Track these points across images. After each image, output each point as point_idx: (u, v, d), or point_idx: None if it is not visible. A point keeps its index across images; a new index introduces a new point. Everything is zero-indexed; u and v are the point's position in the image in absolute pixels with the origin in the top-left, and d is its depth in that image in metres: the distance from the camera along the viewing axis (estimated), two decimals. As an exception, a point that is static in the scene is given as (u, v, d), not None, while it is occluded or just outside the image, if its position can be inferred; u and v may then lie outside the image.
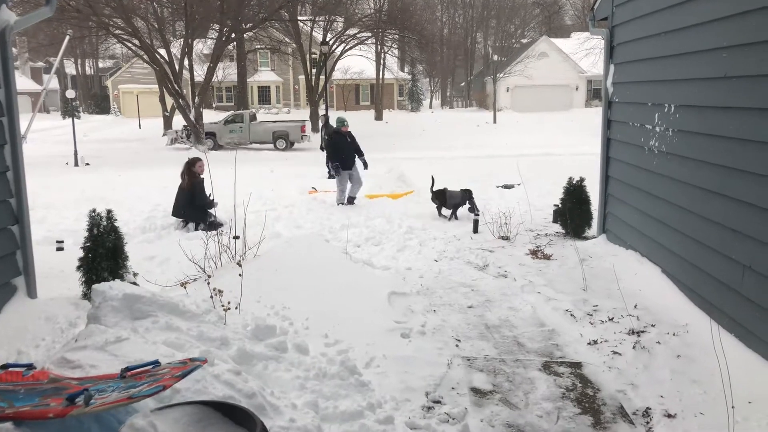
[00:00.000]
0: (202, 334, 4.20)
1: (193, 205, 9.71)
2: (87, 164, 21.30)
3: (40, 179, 15.64)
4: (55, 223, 9.93)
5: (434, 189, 10.85)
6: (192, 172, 9.82)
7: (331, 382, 4.35)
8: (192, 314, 4.43)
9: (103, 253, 5.59)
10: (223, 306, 4.63)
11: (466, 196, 10.62)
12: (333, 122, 12.40)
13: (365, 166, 12.48)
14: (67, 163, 21.39)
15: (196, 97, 28.08)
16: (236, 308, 4.80)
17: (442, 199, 10.76)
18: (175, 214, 9.94)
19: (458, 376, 4.81)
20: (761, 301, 4.58)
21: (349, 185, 12.04)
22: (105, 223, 5.67)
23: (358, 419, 3.96)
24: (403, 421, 4.10)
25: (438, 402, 4.43)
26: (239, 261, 5.83)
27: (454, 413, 4.23)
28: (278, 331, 4.74)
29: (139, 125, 40.83)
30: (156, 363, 2.95)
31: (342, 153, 12.00)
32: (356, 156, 12.23)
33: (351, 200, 11.97)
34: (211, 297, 4.76)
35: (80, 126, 29.99)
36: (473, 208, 10.30)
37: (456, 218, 10.61)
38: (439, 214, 10.81)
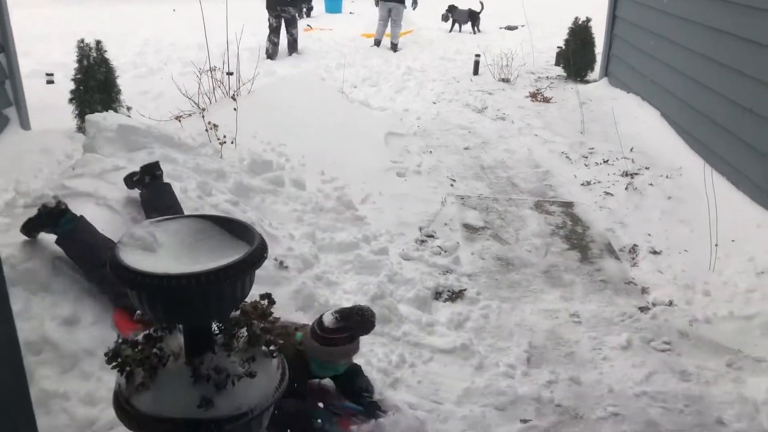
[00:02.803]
0: (198, 167, 4.21)
1: None
2: (72, -3, 20.31)
3: (25, 11, 14.98)
4: (43, 56, 9.61)
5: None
6: None
7: (328, 216, 4.45)
8: (188, 147, 4.42)
9: (95, 85, 5.47)
10: (219, 140, 4.61)
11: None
12: None
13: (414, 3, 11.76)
14: (51, -5, 20.37)
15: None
16: (232, 143, 4.77)
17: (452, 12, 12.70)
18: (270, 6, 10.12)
19: (451, 213, 4.91)
20: (757, 143, 4.58)
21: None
22: (95, 54, 5.50)
23: (354, 249, 4.09)
24: (397, 253, 4.24)
25: (431, 236, 4.55)
26: (234, 96, 5.73)
27: (446, 246, 4.37)
28: (275, 166, 4.76)
29: (124, -44, 38.51)
30: None
31: None
32: None
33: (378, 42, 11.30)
34: (207, 131, 4.73)
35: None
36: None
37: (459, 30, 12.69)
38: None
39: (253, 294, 1.71)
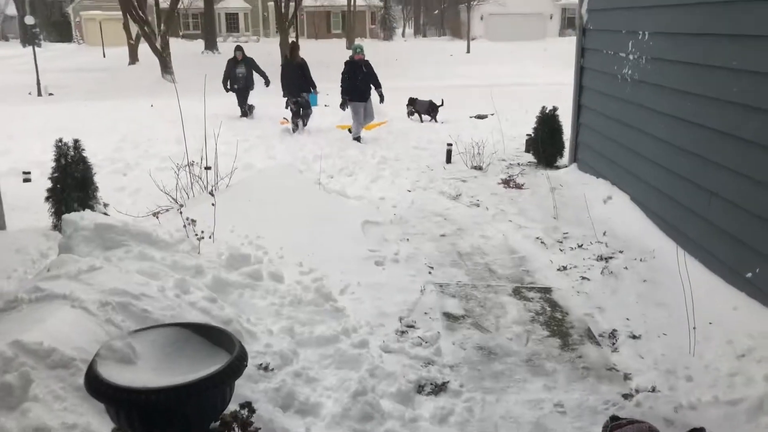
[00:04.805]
0: (176, 264, 4.20)
1: (306, 79, 12.40)
2: (50, 94, 20.63)
3: (2, 109, 15.17)
4: (21, 155, 9.70)
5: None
6: (296, 53, 12.57)
7: (307, 309, 4.41)
8: (165, 243, 4.42)
9: (72, 183, 5.51)
10: (196, 235, 4.62)
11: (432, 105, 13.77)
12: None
13: (381, 99, 11.73)
14: (30, 93, 20.69)
15: (162, 25, 27.08)
16: (210, 237, 4.79)
17: (413, 104, 14.02)
18: (288, 89, 12.42)
19: (431, 302, 4.90)
20: (726, 226, 4.70)
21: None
22: (73, 153, 5.57)
23: (334, 343, 4.04)
24: (377, 345, 4.19)
25: (411, 326, 4.52)
26: (211, 191, 5.79)
27: (427, 337, 4.34)
28: (253, 259, 4.76)
29: (104, 54, 39.36)
30: None
31: (355, 82, 11.34)
32: (372, 87, 11.55)
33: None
34: (184, 226, 4.74)
35: (42, 54, 28.81)
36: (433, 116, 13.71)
37: (421, 121, 13.90)
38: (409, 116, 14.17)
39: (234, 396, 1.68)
